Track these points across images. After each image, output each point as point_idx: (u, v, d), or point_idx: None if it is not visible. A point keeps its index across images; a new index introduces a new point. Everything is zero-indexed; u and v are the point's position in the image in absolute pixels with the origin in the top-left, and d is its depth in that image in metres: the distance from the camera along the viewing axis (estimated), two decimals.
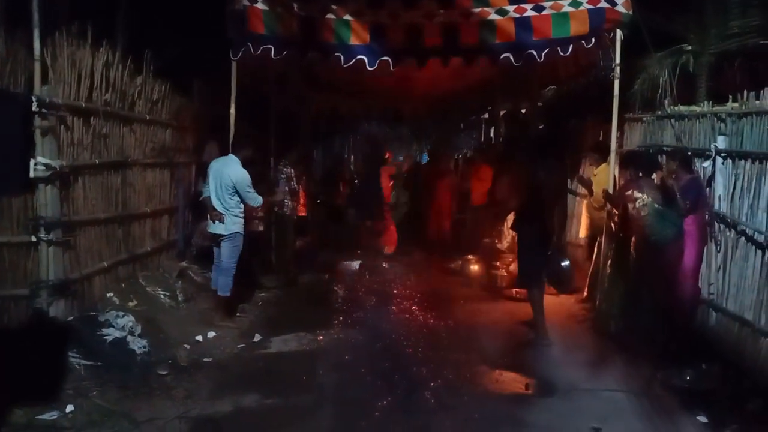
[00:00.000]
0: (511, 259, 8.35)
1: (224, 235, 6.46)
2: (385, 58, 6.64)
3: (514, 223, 6.75)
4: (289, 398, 4.85)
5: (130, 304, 6.01)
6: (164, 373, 5.18)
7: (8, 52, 4.68)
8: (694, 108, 6.26)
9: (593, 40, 6.55)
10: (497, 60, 6.79)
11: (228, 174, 6.35)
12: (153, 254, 7.09)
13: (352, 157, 20.42)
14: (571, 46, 6.57)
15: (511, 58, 6.64)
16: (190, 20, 7.42)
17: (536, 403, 4.84)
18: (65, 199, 5.24)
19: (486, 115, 14.44)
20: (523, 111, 11.76)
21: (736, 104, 5.50)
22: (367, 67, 6.62)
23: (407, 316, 7.14)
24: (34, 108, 4.69)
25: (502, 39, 6.62)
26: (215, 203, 6.42)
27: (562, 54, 6.60)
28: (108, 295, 5.91)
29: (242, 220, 6.52)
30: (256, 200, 6.50)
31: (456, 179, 11.31)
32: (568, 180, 8.60)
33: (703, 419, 4.50)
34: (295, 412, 4.62)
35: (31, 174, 4.79)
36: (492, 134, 14.09)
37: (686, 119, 6.29)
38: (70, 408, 4.40)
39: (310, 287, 8.47)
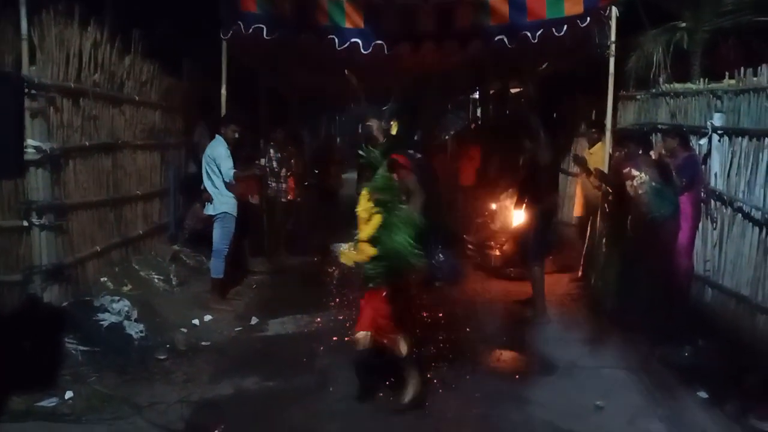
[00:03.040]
0: (504, 239, 8.35)
1: (214, 216, 6.44)
2: (379, 42, 6.56)
3: (518, 201, 6.71)
4: (291, 380, 4.83)
5: (125, 288, 5.94)
6: (163, 357, 5.13)
7: None
8: (690, 85, 6.25)
9: (588, 19, 6.50)
10: (491, 42, 6.73)
11: (209, 152, 6.43)
12: (145, 238, 7.02)
13: (338, 138, 20.26)
14: (565, 26, 6.51)
15: (505, 40, 6.58)
16: None
17: (538, 381, 4.86)
18: (56, 183, 5.15)
19: (476, 95, 14.37)
20: (516, 90, 11.72)
21: (732, 81, 5.49)
22: (362, 51, 6.53)
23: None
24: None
25: (496, 21, 6.56)
26: (206, 184, 6.45)
27: (556, 34, 6.54)
28: (102, 279, 5.84)
29: (232, 201, 6.46)
30: (227, 175, 6.42)
31: (446, 159, 11.25)
32: (562, 159, 8.59)
33: (703, 395, 4.53)
34: (297, 393, 4.61)
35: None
36: (481, 114, 14.04)
37: (682, 96, 6.28)
38: (69, 394, 4.34)
39: (303, 270, 8.41)
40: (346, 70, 8.08)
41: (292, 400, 4.48)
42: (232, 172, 6.40)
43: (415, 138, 4.77)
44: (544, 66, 9.19)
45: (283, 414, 4.29)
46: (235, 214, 6.52)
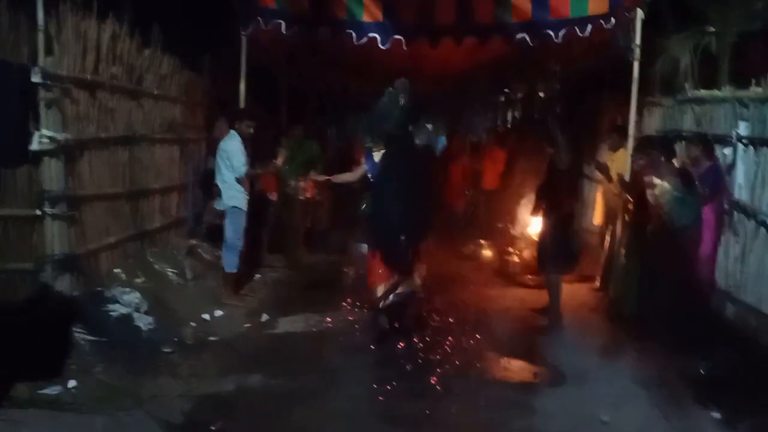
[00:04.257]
0: (524, 245, 8.22)
1: (225, 211, 6.47)
2: (398, 36, 6.50)
3: (535, 207, 6.61)
4: (294, 379, 4.79)
5: (137, 280, 5.94)
6: (169, 350, 5.12)
7: (11, 23, 4.59)
8: (715, 92, 6.07)
9: (612, 19, 6.35)
10: (512, 40, 6.61)
11: (222, 147, 6.44)
12: (162, 231, 7.02)
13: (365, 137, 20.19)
14: (589, 26, 6.37)
15: (527, 38, 6.46)
16: None
17: (545, 391, 4.76)
18: (70, 173, 5.15)
19: (502, 98, 14.23)
20: (540, 94, 11.54)
21: (759, 89, 5.31)
22: (380, 46, 6.48)
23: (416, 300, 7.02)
24: (38, 80, 4.61)
25: (518, 18, 6.44)
26: (217, 179, 6.48)
27: (580, 34, 6.40)
28: (115, 271, 5.84)
29: (241, 195, 6.47)
30: (237, 170, 6.40)
31: (468, 161, 11.15)
32: (584, 164, 8.43)
33: (716, 412, 4.37)
34: (299, 393, 4.56)
35: (36, 147, 4.71)
36: (508, 116, 13.92)
37: (707, 103, 6.10)
38: (72, 383, 4.34)
39: (320, 268, 8.39)
40: None
41: (295, 399, 4.45)
42: (244, 168, 6.39)
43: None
44: (566, 68, 9.03)
45: (285, 413, 4.25)
46: (245, 208, 6.52)
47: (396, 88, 5.72)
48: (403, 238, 5.42)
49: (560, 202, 6.01)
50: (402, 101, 5.68)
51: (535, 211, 6.57)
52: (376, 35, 6.45)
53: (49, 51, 4.79)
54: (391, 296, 5.56)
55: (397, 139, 5.64)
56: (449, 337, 5.79)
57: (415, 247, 5.64)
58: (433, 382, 4.81)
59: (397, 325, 5.67)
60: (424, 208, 5.70)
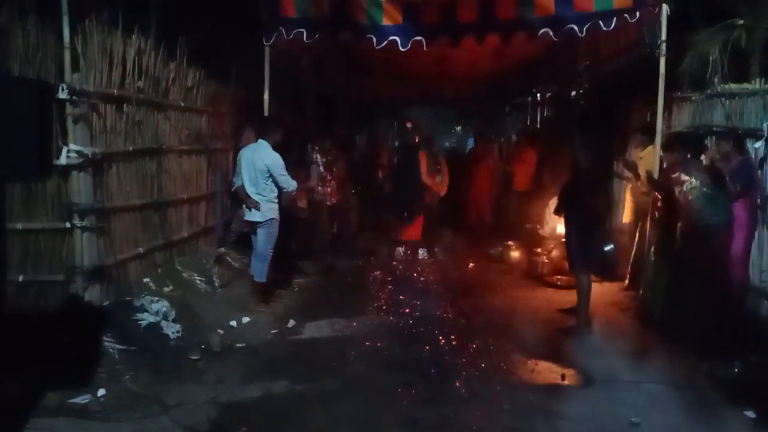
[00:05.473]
0: (552, 246, 8.13)
1: (260, 222, 6.44)
2: (418, 38, 6.47)
3: (557, 207, 6.53)
4: (319, 384, 4.80)
5: (166, 289, 6.05)
6: (196, 357, 5.18)
7: (39, 40, 4.73)
8: (745, 86, 5.91)
9: (638, 14, 6.24)
10: (535, 36, 6.53)
11: (261, 159, 6.30)
12: (190, 240, 7.12)
13: (396, 142, 20.27)
14: (614, 19, 6.26)
15: (551, 33, 6.38)
16: (225, 5, 7.34)
17: (572, 394, 4.67)
18: (99, 186, 5.29)
19: (530, 98, 14.10)
20: (570, 93, 11.40)
21: None
22: (400, 48, 6.46)
23: (444, 303, 7.02)
24: (64, 95, 4.75)
25: (541, 13, 6.37)
26: (249, 190, 6.38)
27: (604, 28, 6.29)
28: (144, 280, 5.96)
29: (277, 206, 6.49)
30: (290, 184, 6.43)
31: (496, 162, 11.05)
32: (614, 162, 8.29)
33: (750, 414, 4.25)
34: (324, 398, 4.57)
35: (64, 161, 4.88)
36: (537, 117, 13.77)
37: (737, 98, 5.95)
38: (101, 392, 4.43)
39: (347, 273, 8.42)
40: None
41: (317, 405, 4.45)
42: (294, 183, 6.42)
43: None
44: (595, 67, 8.90)
45: (306, 418, 4.26)
46: (278, 218, 6.55)
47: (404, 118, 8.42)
48: (408, 207, 9.24)
49: (582, 201, 5.91)
50: (408, 125, 8.46)
51: (557, 211, 6.48)
52: (396, 38, 6.43)
53: (75, 67, 4.94)
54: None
55: (404, 150, 9.94)
56: (475, 340, 5.75)
57: (416, 213, 9.28)
58: (457, 385, 4.77)
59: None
60: (419, 193, 9.32)
